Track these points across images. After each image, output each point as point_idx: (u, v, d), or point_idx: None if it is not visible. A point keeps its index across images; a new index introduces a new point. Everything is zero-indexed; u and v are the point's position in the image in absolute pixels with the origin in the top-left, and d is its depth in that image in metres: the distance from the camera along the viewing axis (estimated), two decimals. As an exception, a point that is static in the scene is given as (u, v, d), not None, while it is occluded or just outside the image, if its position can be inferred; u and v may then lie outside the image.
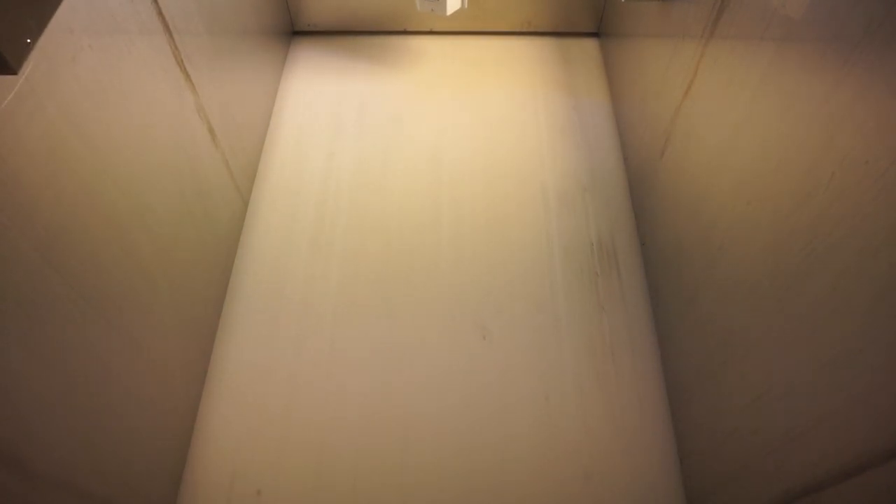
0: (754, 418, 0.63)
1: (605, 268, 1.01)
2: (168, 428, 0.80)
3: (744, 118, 0.65)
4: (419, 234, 1.05)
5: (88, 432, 0.60)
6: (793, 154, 0.55)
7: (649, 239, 0.99)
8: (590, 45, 1.36)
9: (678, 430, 0.84)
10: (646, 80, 1.01)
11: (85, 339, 0.58)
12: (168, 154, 0.74)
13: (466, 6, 1.15)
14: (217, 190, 0.92)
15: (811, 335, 0.52)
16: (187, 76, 0.78)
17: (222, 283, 0.98)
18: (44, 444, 0.53)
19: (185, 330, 0.83)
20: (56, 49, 0.51)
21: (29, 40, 0.41)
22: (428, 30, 1.37)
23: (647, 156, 0.99)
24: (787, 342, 0.56)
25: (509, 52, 1.34)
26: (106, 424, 0.63)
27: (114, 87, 0.61)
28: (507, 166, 1.14)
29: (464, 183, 1.12)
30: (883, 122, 0.43)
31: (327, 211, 1.08)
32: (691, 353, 0.80)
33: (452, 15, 1.15)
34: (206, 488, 0.82)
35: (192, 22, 0.79)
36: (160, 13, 0.70)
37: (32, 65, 0.48)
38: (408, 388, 0.90)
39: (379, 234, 1.05)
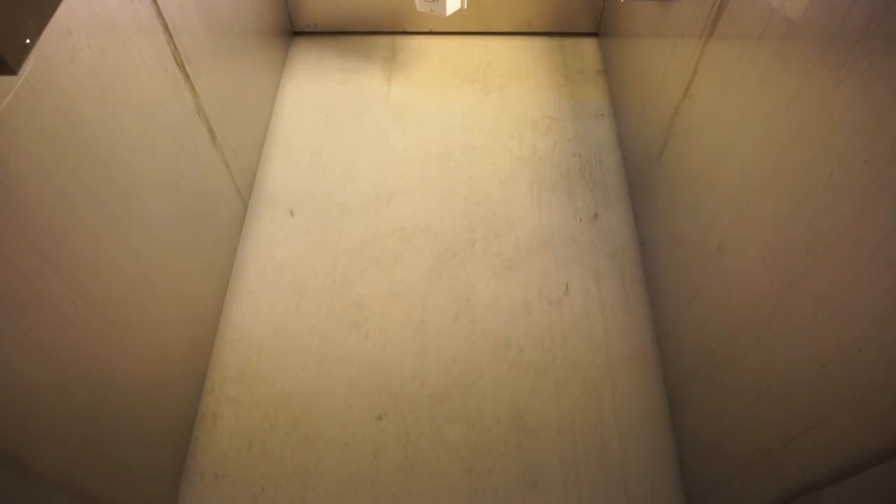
0: (754, 418, 0.63)
1: (605, 266, 1.01)
2: (168, 428, 0.80)
3: (743, 117, 0.65)
4: (417, 232, 1.05)
5: (88, 432, 0.60)
6: (792, 154, 0.55)
7: (649, 238, 0.99)
8: (589, 45, 1.36)
9: (678, 430, 0.84)
10: (645, 79, 1.01)
11: (85, 339, 0.58)
12: (168, 154, 0.74)
13: (466, 7, 1.15)
14: (217, 190, 0.92)
15: (811, 335, 0.52)
16: (187, 76, 0.78)
17: (222, 283, 0.98)
18: (44, 444, 0.53)
19: (185, 330, 0.83)
20: (55, 49, 0.51)
21: (28, 41, 0.41)
22: (427, 30, 1.37)
23: (646, 155, 0.99)
24: (787, 342, 0.56)
25: (509, 52, 1.34)
26: (106, 424, 0.63)
27: (113, 87, 0.61)
28: (506, 165, 1.14)
29: (463, 181, 1.12)
30: (882, 121, 0.43)
31: (327, 210, 1.08)
32: (691, 353, 0.80)
33: (452, 15, 1.15)
34: (206, 489, 0.82)
35: (191, 22, 0.79)
36: (159, 13, 0.70)
37: (31, 65, 0.48)
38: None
39: (379, 232, 1.05)
